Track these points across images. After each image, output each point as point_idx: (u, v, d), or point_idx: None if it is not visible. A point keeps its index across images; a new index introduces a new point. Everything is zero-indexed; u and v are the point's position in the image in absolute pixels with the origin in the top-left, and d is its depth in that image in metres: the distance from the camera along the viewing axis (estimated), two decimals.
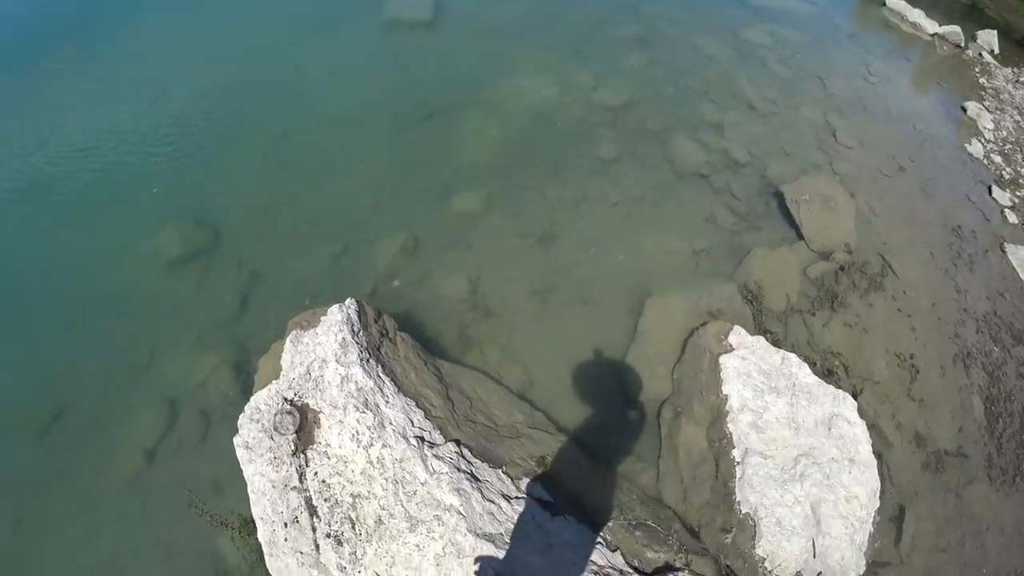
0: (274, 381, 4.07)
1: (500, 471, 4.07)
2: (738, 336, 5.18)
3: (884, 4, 11.31)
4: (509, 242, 5.78)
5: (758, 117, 7.58)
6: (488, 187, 6.22)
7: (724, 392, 4.91)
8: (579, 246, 5.82)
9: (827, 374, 5.46)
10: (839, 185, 6.97)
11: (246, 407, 4.00)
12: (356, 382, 3.93)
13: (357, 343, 4.08)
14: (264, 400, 3.98)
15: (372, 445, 3.78)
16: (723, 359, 5.04)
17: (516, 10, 8.99)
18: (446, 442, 3.99)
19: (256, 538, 3.85)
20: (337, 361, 3.97)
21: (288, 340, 4.16)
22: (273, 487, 3.76)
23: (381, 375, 4.06)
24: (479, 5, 9.10)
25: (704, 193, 6.48)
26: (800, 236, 6.38)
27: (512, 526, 3.83)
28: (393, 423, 3.88)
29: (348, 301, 4.30)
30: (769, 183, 6.77)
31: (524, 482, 4.11)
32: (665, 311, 5.38)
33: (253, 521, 3.82)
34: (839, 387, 5.10)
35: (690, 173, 6.64)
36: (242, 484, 3.92)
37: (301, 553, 3.66)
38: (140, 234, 6.21)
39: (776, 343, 5.37)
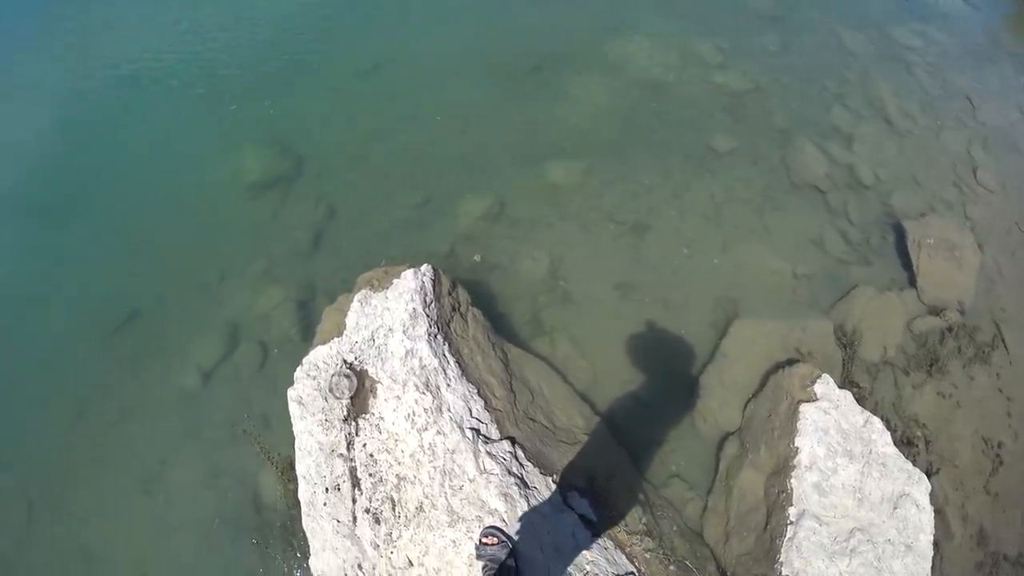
0: (336, 339, 3.79)
1: (550, 479, 3.75)
2: (825, 386, 4.59)
3: None
4: (600, 225, 5.25)
5: (893, 134, 6.57)
6: (587, 160, 5.63)
7: (796, 444, 4.40)
8: (672, 244, 5.24)
9: (906, 443, 4.85)
10: (969, 233, 6.01)
11: (304, 361, 3.76)
12: (420, 359, 3.61)
13: (427, 316, 3.73)
14: (323, 358, 3.72)
15: (426, 429, 3.49)
16: (804, 408, 4.49)
17: None
18: (501, 439, 3.66)
19: (296, 485, 3.71)
20: (404, 333, 3.65)
21: (356, 298, 3.85)
22: (320, 449, 3.55)
23: (447, 354, 3.72)
24: None
25: (818, 211, 5.70)
26: (912, 283, 5.55)
27: (551, 541, 3.53)
28: (452, 410, 3.57)
29: (424, 267, 3.93)
30: (891, 213, 5.90)
31: (572, 495, 3.78)
32: (751, 337, 4.81)
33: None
34: (916, 461, 4.54)
35: (806, 184, 5.84)
36: (291, 426, 3.74)
37: (338, 521, 3.47)
38: (222, 153, 5.98)
39: (861, 399, 4.77)
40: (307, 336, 4.80)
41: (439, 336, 3.75)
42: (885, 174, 6.21)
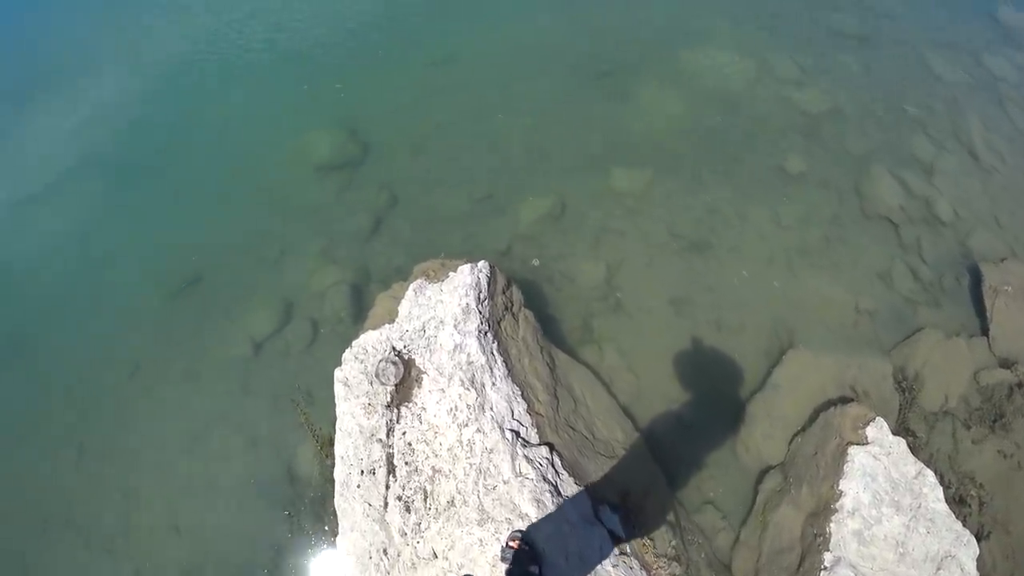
0: (387, 325, 3.80)
1: (584, 490, 3.66)
2: (878, 430, 4.34)
3: None
4: (659, 238, 5.10)
5: (978, 170, 6.14)
6: (653, 169, 5.49)
7: (841, 487, 4.18)
8: (731, 264, 5.05)
9: (958, 501, 4.53)
10: None
11: (353, 343, 3.78)
12: (469, 354, 3.57)
13: (480, 312, 3.70)
14: (373, 343, 3.74)
15: (467, 425, 3.46)
16: (853, 451, 4.26)
17: None
18: (540, 444, 3.60)
19: (332, 463, 3.74)
20: (455, 327, 3.62)
21: (411, 287, 3.85)
22: (360, 432, 3.57)
23: (495, 353, 3.68)
24: None
25: (888, 244, 5.39)
26: (984, 331, 5.15)
27: (577, 552, 3.45)
28: (494, 409, 3.52)
29: (481, 263, 3.89)
30: (968, 254, 5.51)
31: (603, 509, 3.68)
32: (805, 370, 4.60)
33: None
34: (967, 522, 4.25)
35: (879, 215, 5.53)
36: (332, 406, 3.78)
37: (369, 505, 3.49)
38: (294, 133, 6.10)
39: (916, 448, 4.48)
40: (357, 319, 4.85)
41: (489, 334, 3.71)
42: (965, 212, 5.81)
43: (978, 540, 4.14)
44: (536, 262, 4.84)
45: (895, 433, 4.36)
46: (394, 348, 3.66)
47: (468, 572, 3.21)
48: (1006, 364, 4.98)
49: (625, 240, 5.07)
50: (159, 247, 5.68)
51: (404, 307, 3.76)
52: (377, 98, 6.26)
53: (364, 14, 7.20)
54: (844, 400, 4.48)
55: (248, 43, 7.28)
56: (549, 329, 4.37)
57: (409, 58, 6.56)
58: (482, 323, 3.64)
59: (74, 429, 4.76)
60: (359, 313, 4.86)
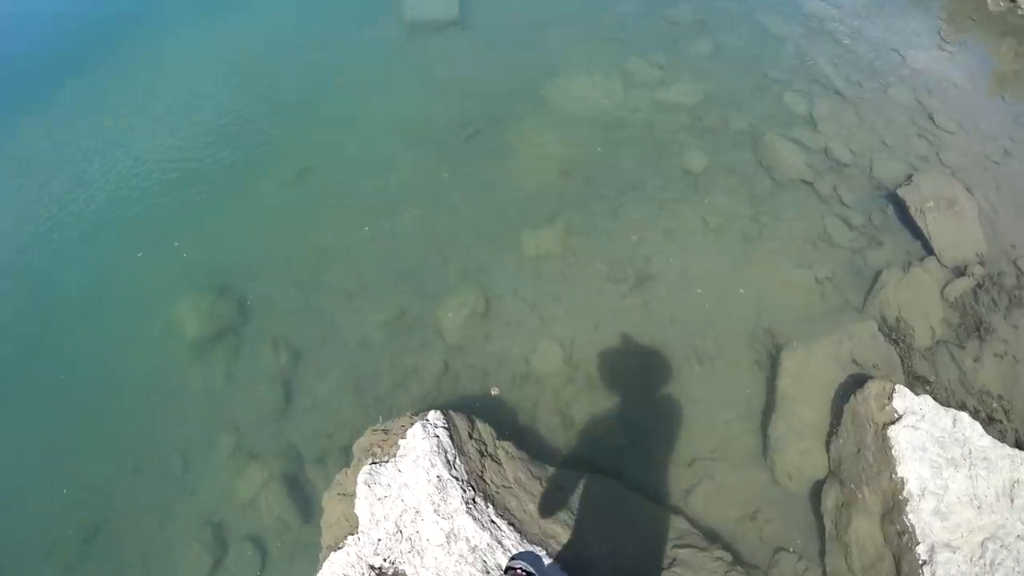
0: (351, 538, 2.89)
1: None
2: (903, 399, 4.01)
3: None
4: (599, 288, 4.56)
5: (848, 105, 6.26)
6: (561, 219, 4.97)
7: (899, 474, 3.81)
8: (682, 286, 4.61)
9: (988, 422, 4.35)
10: (956, 182, 5.69)
11: None
12: (467, 539, 2.75)
13: (457, 479, 2.89)
14: (343, 568, 2.81)
15: None
16: (892, 432, 3.89)
17: None
18: None
19: None
20: (436, 511, 2.79)
21: (361, 479, 2.97)
22: None
23: (495, 520, 2.87)
24: None
25: (812, 204, 5.23)
26: (929, 250, 5.14)
27: None
28: None
29: (433, 417, 3.10)
30: (879, 185, 5.53)
31: None
32: (804, 366, 4.20)
33: None
34: (1005, 437, 4.15)
35: (791, 180, 5.38)
36: None
37: None
38: (154, 308, 5.01)
39: (934, 393, 4.29)
40: (308, 517, 3.86)
41: (478, 499, 2.90)
42: (857, 147, 5.88)
43: (1022, 448, 4.01)
44: (495, 391, 4.08)
45: (908, 386, 4.13)
46: (372, 567, 2.76)
47: None
48: (960, 271, 5.03)
49: (566, 307, 4.48)
50: (30, 502, 4.36)
51: (362, 508, 2.88)
52: (238, 240, 5.30)
53: (186, 156, 6.20)
54: (857, 381, 4.12)
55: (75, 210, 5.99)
56: (534, 447, 3.63)
57: (256, 184, 5.67)
58: (465, 491, 2.83)
59: None
60: (307, 509, 3.89)
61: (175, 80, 7.20)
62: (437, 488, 2.81)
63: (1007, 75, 7.47)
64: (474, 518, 2.79)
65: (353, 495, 2.99)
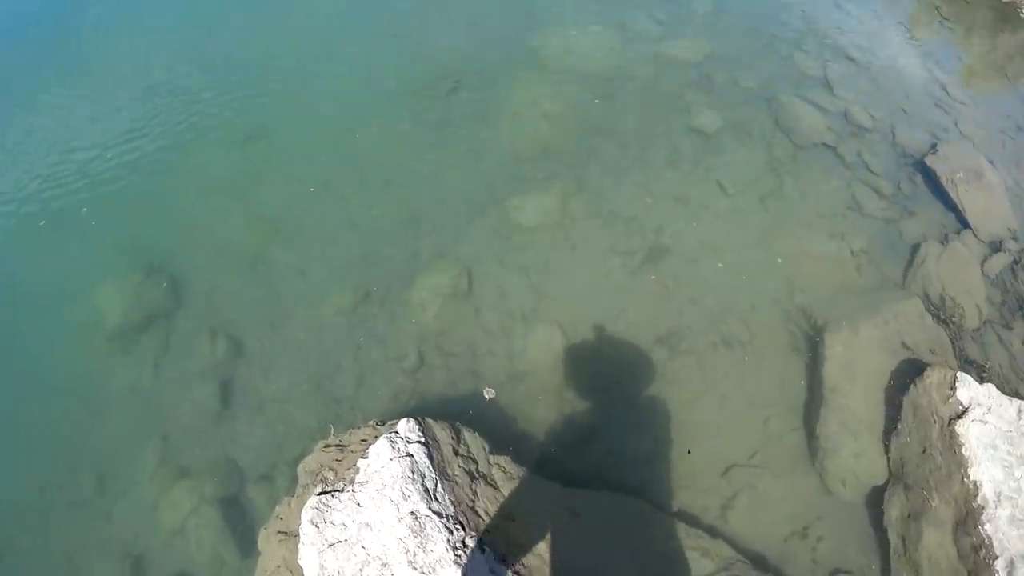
0: None
1: None
2: (967, 389, 3.32)
3: None
4: (606, 265, 3.73)
5: (862, 70, 5.65)
6: (558, 183, 4.14)
7: (972, 477, 3.11)
8: (701, 260, 3.82)
9: None
10: (980, 155, 5.11)
11: None
12: None
13: (439, 514, 1.99)
14: None
15: None
16: (959, 428, 3.20)
17: None
18: None
19: None
20: (412, 564, 1.89)
21: (306, 517, 2.04)
22: None
23: (496, 570, 1.97)
24: None
25: (837, 169, 4.54)
26: (963, 223, 4.58)
27: None
28: None
29: (404, 428, 2.21)
30: (904, 152, 4.93)
31: None
32: (850, 353, 3.48)
33: None
34: None
35: (812, 143, 4.68)
36: None
37: None
38: (67, 292, 3.97)
39: (987, 379, 3.67)
40: (249, 551, 2.92)
41: (469, 540, 2.00)
42: (877, 113, 5.27)
43: None
44: (490, 393, 3.16)
45: (960, 369, 3.57)
46: None
47: None
48: (997, 247, 4.52)
49: (566, 286, 3.64)
50: None
51: (308, 558, 1.95)
52: (170, 208, 4.27)
53: (114, 108, 5.10)
54: (910, 366, 3.40)
55: None
56: (534, 462, 2.75)
57: (200, 148, 4.62)
58: (452, 530, 1.93)
59: None
60: (248, 540, 2.96)
61: (101, 38, 6.03)
62: (412, 530, 1.90)
63: (1013, 49, 6.88)
64: (466, 571, 1.89)
65: (297, 536, 2.05)
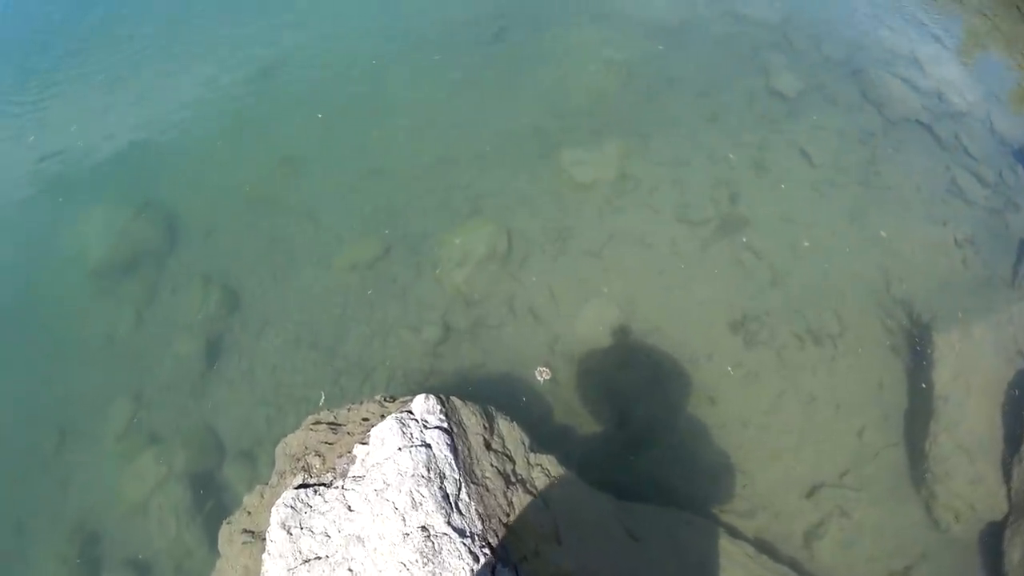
0: None
1: None
2: None
3: None
4: (672, 233, 3.02)
5: (948, 53, 4.93)
6: (617, 137, 3.46)
7: None
8: (784, 236, 3.14)
9: None
10: None
11: None
12: None
13: (463, 532, 1.30)
14: None
15: None
16: None
17: None
18: None
19: None
20: None
21: (277, 517, 1.37)
22: None
23: None
24: None
25: (933, 149, 3.82)
26: None
27: None
28: None
29: (420, 406, 1.53)
30: (1003, 140, 4.29)
31: None
32: (964, 356, 2.80)
33: None
34: None
35: (905, 119, 3.94)
36: None
37: None
38: (49, 218, 3.36)
39: None
40: (214, 542, 2.27)
41: (501, 569, 1.31)
42: (970, 96, 4.56)
43: None
44: (544, 374, 2.46)
45: None
46: None
47: None
48: None
49: (623, 253, 2.92)
50: None
51: (275, 573, 1.26)
52: (174, 135, 3.62)
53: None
54: None
55: None
56: (580, 462, 2.04)
57: (213, 75, 3.98)
58: (480, 555, 1.26)
59: None
60: (213, 529, 2.29)
61: None
62: (422, 553, 1.23)
63: None
64: None
65: (266, 537, 1.38)
